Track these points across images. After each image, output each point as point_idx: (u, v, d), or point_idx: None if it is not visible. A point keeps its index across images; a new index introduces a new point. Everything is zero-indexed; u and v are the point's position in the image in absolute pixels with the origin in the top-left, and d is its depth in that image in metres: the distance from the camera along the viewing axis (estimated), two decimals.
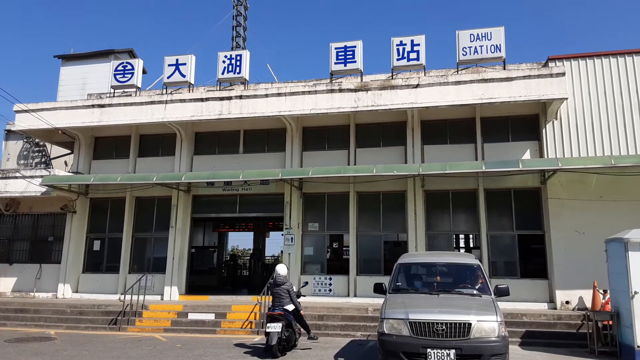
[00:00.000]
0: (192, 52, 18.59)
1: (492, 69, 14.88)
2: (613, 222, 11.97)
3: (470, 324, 6.63)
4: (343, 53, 15.79)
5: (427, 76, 14.96)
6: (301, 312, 9.86)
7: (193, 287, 17.07)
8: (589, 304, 12.34)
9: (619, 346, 9.38)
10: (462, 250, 15.73)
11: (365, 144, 15.96)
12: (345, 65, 15.75)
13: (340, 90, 14.97)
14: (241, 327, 12.39)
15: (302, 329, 9.85)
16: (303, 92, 15.20)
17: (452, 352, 6.51)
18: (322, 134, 16.39)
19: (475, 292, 7.80)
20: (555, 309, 12.94)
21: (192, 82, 16.93)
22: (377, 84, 14.86)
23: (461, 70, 15.38)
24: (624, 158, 12.85)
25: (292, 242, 15.35)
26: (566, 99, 13.72)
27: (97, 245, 17.17)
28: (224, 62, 16.57)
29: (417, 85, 14.52)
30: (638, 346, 8.71)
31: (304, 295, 10.07)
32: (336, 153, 16.02)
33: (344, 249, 15.92)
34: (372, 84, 14.88)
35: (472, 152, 15.04)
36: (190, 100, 15.90)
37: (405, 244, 14.66)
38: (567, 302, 12.93)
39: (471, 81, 14.23)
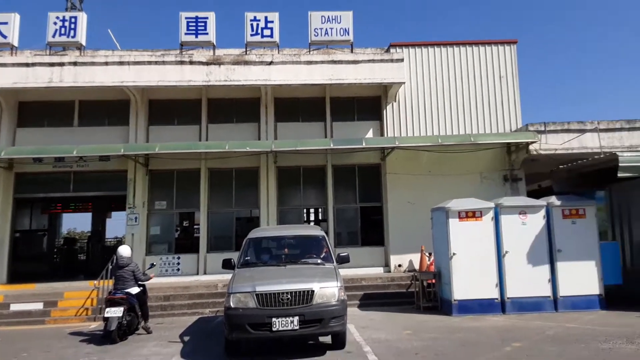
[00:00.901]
0: (18, 11, 16.13)
1: (341, 52, 15.61)
2: (439, 194, 13.52)
3: (312, 291, 6.98)
4: (194, 24, 15.15)
5: (280, 54, 15.14)
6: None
7: (17, 275, 15.11)
8: (417, 266, 13.93)
9: (440, 301, 10.81)
10: (312, 224, 16.50)
11: (218, 119, 15.65)
12: (196, 37, 15.15)
13: (191, 63, 14.38)
14: (75, 315, 11.36)
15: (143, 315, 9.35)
16: (149, 62, 14.28)
17: (296, 318, 6.81)
18: (171, 108, 15.63)
19: (319, 261, 8.20)
20: (390, 272, 14.38)
21: (16, 44, 14.78)
22: (231, 58, 14.60)
23: (313, 50, 15.85)
24: (449, 137, 14.64)
25: (136, 221, 14.51)
26: (404, 83, 15.02)
27: None
28: (55, 23, 14.76)
29: (271, 63, 14.63)
30: (455, 300, 10.12)
31: (152, 277, 9.63)
32: (187, 128, 15.44)
33: (195, 227, 15.56)
34: (226, 58, 14.58)
35: (322, 130, 15.71)
36: (13, 64, 13.90)
37: (258, 220, 14.87)
38: (399, 266, 14.45)
39: (322, 62, 14.79)
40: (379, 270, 14.53)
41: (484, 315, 9.88)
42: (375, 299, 11.90)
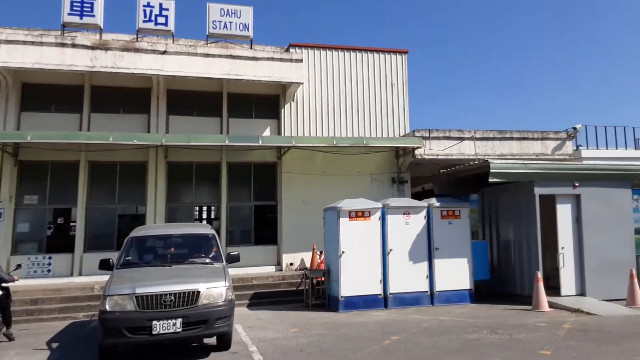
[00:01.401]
0: None
1: (240, 47, 15.36)
2: (332, 194, 13.89)
3: (198, 292, 6.75)
4: (79, 4, 13.95)
5: (175, 44, 14.51)
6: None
7: None
8: (309, 265, 14.17)
9: (328, 298, 11.08)
10: (205, 222, 16.04)
11: (103, 108, 14.57)
12: (81, 18, 13.99)
13: (74, 46, 13.24)
14: None
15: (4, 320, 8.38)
16: (25, 42, 12.92)
17: (179, 320, 6.53)
18: (48, 93, 14.24)
19: (208, 260, 7.97)
20: (282, 271, 14.46)
21: None
22: (120, 44, 13.68)
23: (211, 43, 15.40)
24: (343, 139, 15.08)
25: (0, 217, 12.99)
26: (302, 83, 15.19)
27: None
28: None
29: (165, 52, 13.96)
30: (342, 296, 10.43)
31: (16, 280, 8.62)
32: (66, 116, 14.18)
33: (71, 224, 14.31)
34: (114, 44, 13.63)
35: (217, 126, 15.33)
36: None
37: (144, 217, 14.09)
38: (291, 264, 14.59)
39: (220, 55, 14.44)
40: (271, 269, 14.53)
41: (368, 311, 10.31)
42: (265, 298, 11.87)
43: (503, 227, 12.06)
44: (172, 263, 7.83)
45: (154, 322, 6.44)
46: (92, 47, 13.37)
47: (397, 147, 15.60)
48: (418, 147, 14.95)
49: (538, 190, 10.94)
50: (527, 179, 11.11)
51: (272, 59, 14.76)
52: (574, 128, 16.08)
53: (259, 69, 14.62)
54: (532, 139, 15.94)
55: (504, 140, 15.84)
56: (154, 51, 13.84)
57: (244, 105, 15.75)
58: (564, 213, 11.10)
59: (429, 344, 7.35)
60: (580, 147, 16.95)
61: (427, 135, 15.22)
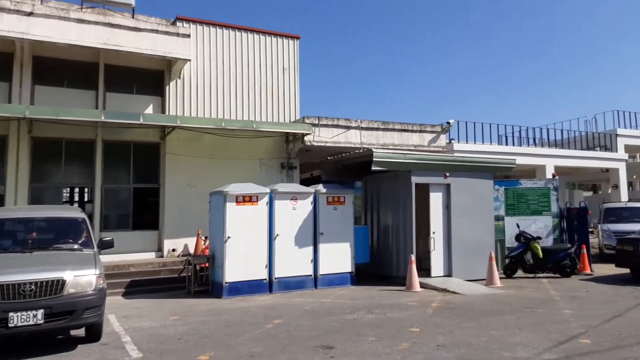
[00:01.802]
0: None
1: (121, 15, 14.19)
2: (219, 178, 13.50)
3: (64, 281, 6.19)
4: None
5: (44, 5, 12.99)
6: None
7: None
8: (193, 251, 13.71)
9: (211, 284, 10.82)
10: (76, 205, 14.71)
11: None
12: None
13: None
14: None
15: None
16: None
17: (40, 312, 5.94)
18: None
19: (76, 246, 7.37)
20: (163, 257, 13.80)
21: None
22: None
23: (86, 8, 13.99)
24: (232, 122, 14.71)
25: None
26: (189, 60, 14.50)
27: None
28: None
29: (31, 14, 12.41)
30: (226, 282, 10.25)
31: None
32: None
33: None
34: None
35: (92, 100, 14.08)
36: None
37: (3, 199, 12.50)
38: (173, 250, 14.00)
39: (96, 22, 13.21)
40: (151, 256, 13.79)
41: (252, 296, 10.27)
42: (143, 285, 11.25)
43: (383, 213, 12.74)
44: (34, 249, 7.08)
45: (11, 313, 5.81)
46: None
47: (287, 133, 15.64)
48: (307, 134, 15.13)
49: (415, 179, 11.72)
50: (405, 169, 11.83)
51: (157, 31, 13.86)
52: (448, 122, 17.46)
53: (141, 40, 13.64)
54: (412, 131, 16.99)
55: (387, 131, 16.66)
56: (18, 11, 12.24)
57: (124, 79, 14.63)
58: (436, 201, 12.03)
59: (310, 325, 7.52)
60: (452, 140, 18.48)
61: (316, 122, 15.46)
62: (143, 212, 14.37)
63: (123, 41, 13.43)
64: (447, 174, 12.07)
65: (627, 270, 11.96)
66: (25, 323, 5.86)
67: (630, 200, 21.15)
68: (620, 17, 74.88)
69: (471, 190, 12.28)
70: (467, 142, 19.32)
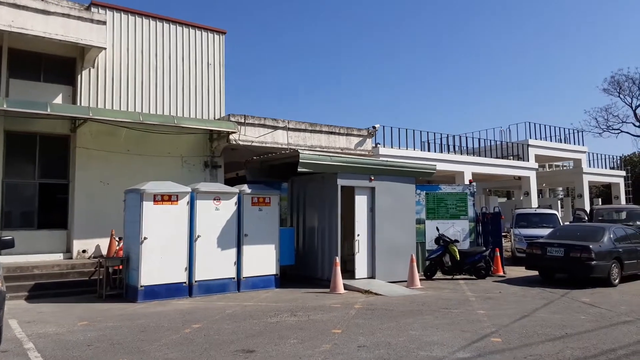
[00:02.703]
0: None
1: None
2: (136, 175, 12.77)
3: None
4: None
5: None
6: None
7: None
8: (105, 252, 12.80)
9: (125, 288, 10.13)
10: None
11: None
12: None
13: None
14: None
15: None
16: None
17: None
18: None
19: None
20: (72, 258, 12.74)
21: None
22: None
23: None
24: (151, 116, 13.92)
25: None
26: (105, 48, 13.57)
27: None
28: None
29: None
30: (141, 286, 9.64)
31: None
32: None
33: None
34: None
35: None
36: None
37: None
38: (84, 251, 12.97)
39: (0, 2, 11.95)
40: (58, 257, 12.67)
41: (170, 300, 9.74)
42: (49, 289, 10.29)
43: (309, 214, 12.67)
44: None
45: None
46: None
47: (211, 130, 15.10)
48: (233, 132, 14.71)
49: (340, 182, 11.77)
50: (331, 171, 11.84)
51: (69, 15, 12.82)
52: (374, 127, 17.82)
53: (51, 24, 12.55)
54: (339, 133, 17.13)
55: (314, 133, 16.65)
56: None
57: (30, 65, 13.40)
58: (361, 203, 12.17)
59: (230, 329, 7.24)
60: (378, 145, 18.91)
61: (242, 120, 15.09)
62: (50, 210, 13.19)
63: (30, 24, 12.28)
64: (372, 178, 12.25)
65: (536, 273, 12.84)
66: None
67: (539, 206, 22.88)
68: (543, 24, 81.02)
69: (395, 194, 12.56)
70: (392, 147, 19.86)
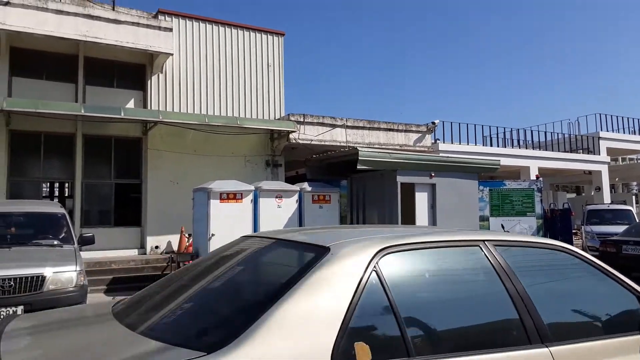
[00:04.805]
0: None
1: (101, 7, 13.91)
2: (202, 174, 13.32)
3: (44, 277, 6.03)
4: None
5: None
6: None
7: None
8: (176, 248, 13.47)
9: None
10: (56, 200, 14.35)
11: None
12: None
13: None
14: None
15: None
16: None
17: (20, 308, 5.79)
18: None
19: (56, 242, 7.23)
20: (145, 254, 13.55)
21: None
22: None
23: None
24: (216, 118, 14.51)
25: None
26: (172, 54, 14.24)
27: None
28: None
29: (8, 3, 12.01)
30: None
31: None
32: None
33: None
34: None
35: (72, 93, 13.72)
36: None
37: None
38: (156, 247, 13.74)
39: (76, 14, 12.86)
40: (134, 253, 13.51)
41: None
42: (126, 282, 10.97)
43: (369, 212, 12.68)
44: (13, 244, 6.89)
45: None
46: None
47: (271, 130, 15.49)
48: (293, 131, 15.02)
49: (400, 179, 11.66)
50: (391, 168, 11.76)
51: (138, 24, 13.57)
52: (433, 122, 17.55)
53: (122, 33, 13.33)
54: (397, 130, 17.03)
55: (372, 130, 16.66)
56: None
57: (104, 72, 14.31)
58: (421, 200, 12.03)
59: None
60: (438, 141, 18.60)
61: (301, 120, 15.36)
62: (125, 208, 14.07)
63: (103, 33, 13.12)
64: (433, 174, 12.06)
65: None
66: None
67: (612, 202, 21.61)
68: (617, 19, 76.53)
69: (456, 191, 12.31)
70: (452, 143, 19.46)
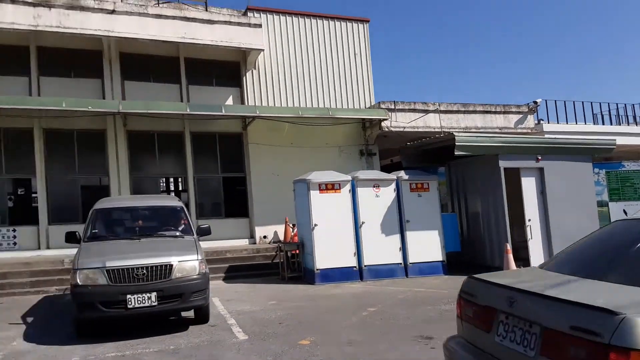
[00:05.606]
0: None
1: (195, 8, 14.59)
2: (300, 166, 13.62)
3: (171, 265, 6.50)
4: None
5: (124, 3, 13.62)
6: None
7: None
8: (282, 237, 13.96)
9: (303, 270, 10.95)
10: (172, 194, 15.46)
11: (52, 72, 13.55)
12: None
13: (13, 2, 12.08)
14: None
15: None
16: None
17: (154, 294, 6.28)
18: None
19: (178, 233, 7.71)
20: (255, 243, 14.20)
21: None
22: (64, 1, 12.61)
23: (162, 3, 14.49)
24: (309, 110, 14.75)
25: None
26: (262, 50, 14.63)
27: None
28: None
29: (113, 11, 13.04)
30: (317, 269, 10.32)
31: None
32: (13, 79, 13.04)
33: (33, 195, 13.45)
34: (57, 1, 12.54)
35: (177, 93, 14.65)
36: None
37: (108, 189, 13.37)
38: (264, 237, 14.32)
39: (173, 17, 13.66)
40: (244, 242, 14.22)
41: (343, 283, 10.26)
42: (240, 271, 11.62)
43: (471, 199, 12.24)
44: (141, 236, 7.48)
45: (129, 295, 6.18)
46: (34, 4, 12.32)
47: (363, 119, 15.45)
48: (384, 119, 14.87)
49: (503, 163, 11.07)
50: (492, 152, 11.21)
51: (230, 22, 14.09)
52: (535, 102, 16.48)
53: (216, 32, 13.93)
54: (495, 112, 16.22)
55: (467, 114, 16.02)
56: (101, 10, 12.92)
57: (203, 71, 15.08)
58: (529, 186, 11.35)
59: (405, 314, 7.36)
60: (541, 121, 17.44)
61: (392, 107, 15.15)
62: (233, 200, 14.84)
63: (199, 34, 13.78)
64: (539, 157, 11.34)
65: None
66: (142, 305, 6.20)
67: None
68: None
69: (568, 174, 11.47)
70: (557, 123, 18.13)
